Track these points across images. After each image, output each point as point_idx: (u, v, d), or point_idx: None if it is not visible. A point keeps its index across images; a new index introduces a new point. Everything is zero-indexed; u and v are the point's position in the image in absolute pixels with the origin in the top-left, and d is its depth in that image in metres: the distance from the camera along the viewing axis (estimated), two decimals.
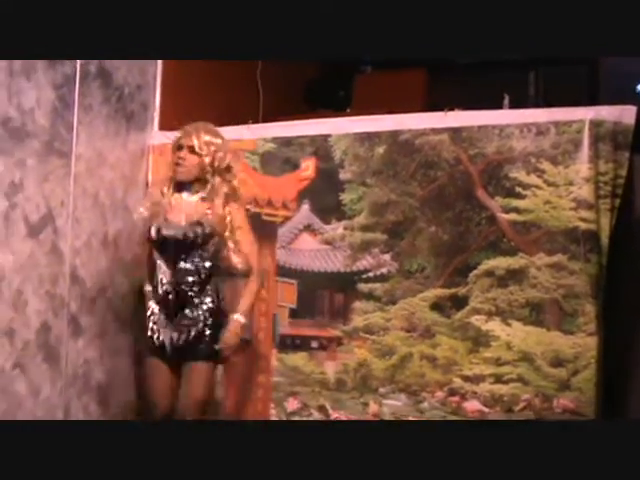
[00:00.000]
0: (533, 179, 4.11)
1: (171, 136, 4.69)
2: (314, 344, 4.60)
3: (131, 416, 4.70)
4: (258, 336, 4.68)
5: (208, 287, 3.84)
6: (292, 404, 4.60)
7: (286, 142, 4.67)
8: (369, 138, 4.48)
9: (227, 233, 3.83)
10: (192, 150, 3.80)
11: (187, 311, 3.80)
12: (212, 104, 5.14)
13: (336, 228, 4.55)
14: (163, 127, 4.91)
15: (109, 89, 4.53)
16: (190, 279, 3.79)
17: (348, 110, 6.05)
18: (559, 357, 4.03)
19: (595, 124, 3.98)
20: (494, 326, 4.16)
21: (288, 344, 4.65)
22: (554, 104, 4.35)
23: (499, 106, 4.97)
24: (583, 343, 3.98)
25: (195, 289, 3.80)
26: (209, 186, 3.84)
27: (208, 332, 3.82)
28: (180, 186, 3.90)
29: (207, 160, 3.81)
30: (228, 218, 3.84)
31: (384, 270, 4.43)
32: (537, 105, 5.57)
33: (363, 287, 4.46)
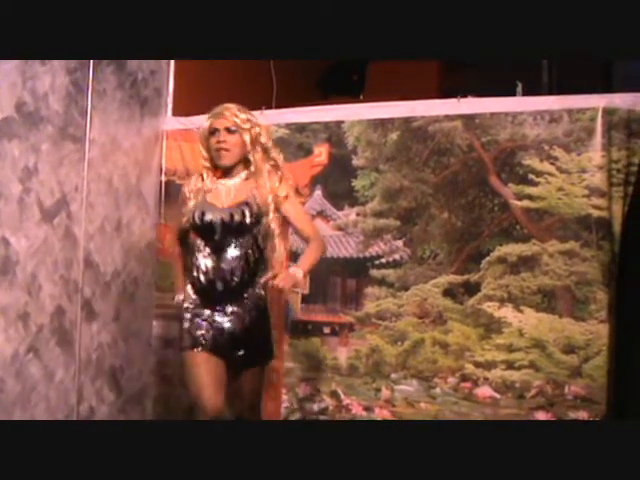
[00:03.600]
0: (546, 166, 4.11)
1: (185, 122, 4.73)
2: (326, 330, 4.61)
3: (148, 402, 4.74)
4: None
5: (256, 278, 3.55)
6: (304, 389, 4.62)
7: (299, 128, 4.68)
8: (382, 124, 4.49)
9: (271, 215, 3.54)
10: (229, 130, 3.54)
11: (233, 305, 3.52)
12: (225, 90, 5.14)
13: (349, 214, 4.56)
14: (177, 113, 4.93)
15: (123, 74, 4.54)
16: (238, 267, 3.48)
17: (361, 97, 6.05)
18: (571, 344, 4.04)
19: (608, 112, 3.99)
20: (506, 313, 4.18)
21: (300, 330, 4.67)
22: (568, 91, 4.33)
23: (512, 93, 4.97)
24: (595, 330, 4.00)
25: (244, 278, 3.50)
26: (252, 166, 3.59)
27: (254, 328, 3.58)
28: (220, 173, 3.65)
29: (247, 137, 3.56)
30: (270, 197, 3.54)
31: (396, 256, 4.44)
32: (550, 92, 5.54)
33: (375, 273, 4.48)
